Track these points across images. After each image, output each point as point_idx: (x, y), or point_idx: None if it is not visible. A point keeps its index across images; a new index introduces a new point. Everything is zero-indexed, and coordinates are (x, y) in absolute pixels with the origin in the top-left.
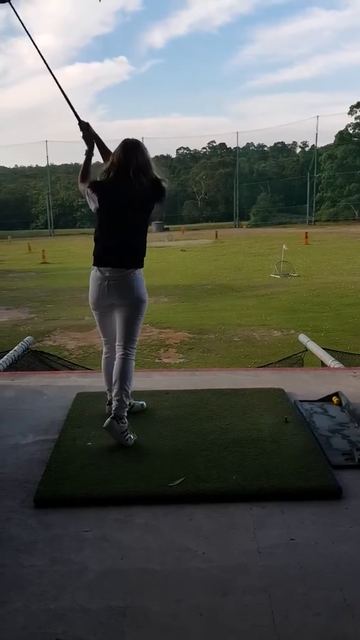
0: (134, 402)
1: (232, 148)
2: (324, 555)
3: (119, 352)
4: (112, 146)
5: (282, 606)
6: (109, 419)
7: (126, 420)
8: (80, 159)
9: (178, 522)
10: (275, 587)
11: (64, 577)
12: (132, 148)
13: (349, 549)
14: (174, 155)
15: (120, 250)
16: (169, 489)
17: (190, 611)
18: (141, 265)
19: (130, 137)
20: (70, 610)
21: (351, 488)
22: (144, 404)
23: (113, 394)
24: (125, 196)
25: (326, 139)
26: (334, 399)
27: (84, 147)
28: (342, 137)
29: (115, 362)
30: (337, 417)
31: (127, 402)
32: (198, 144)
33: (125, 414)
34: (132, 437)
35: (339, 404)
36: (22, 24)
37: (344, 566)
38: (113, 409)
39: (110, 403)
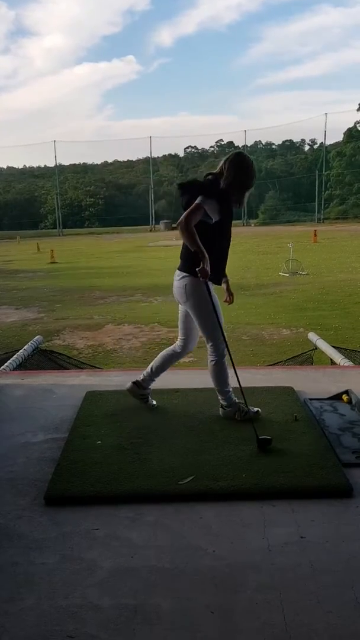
0: (246, 408)
1: (240, 146)
2: (335, 553)
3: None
4: (121, 145)
5: (293, 604)
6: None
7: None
8: (87, 159)
9: (188, 520)
10: (286, 585)
11: (75, 574)
12: (242, 169)
13: (359, 547)
14: (181, 154)
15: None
16: (179, 487)
17: (201, 609)
18: None
19: (138, 136)
20: (81, 607)
21: None
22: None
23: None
24: (231, 210)
25: (335, 137)
26: (344, 397)
27: (91, 147)
28: (351, 134)
29: None
30: (347, 415)
31: (227, 395)
32: (206, 143)
33: (226, 402)
34: (239, 413)
35: (349, 402)
36: None
37: (355, 564)
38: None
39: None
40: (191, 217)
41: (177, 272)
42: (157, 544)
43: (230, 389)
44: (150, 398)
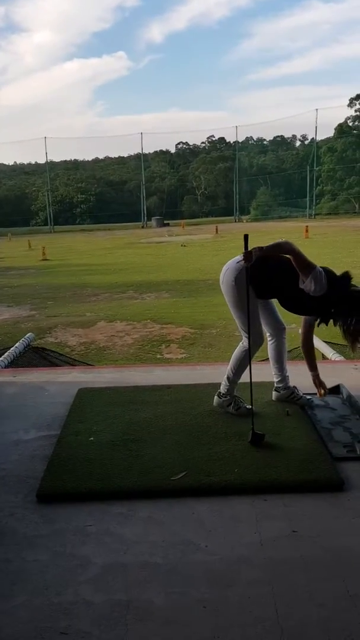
0: (301, 394)
1: (231, 142)
2: (327, 547)
3: None
4: (112, 141)
5: (285, 598)
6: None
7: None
8: (78, 155)
9: (181, 516)
10: (278, 579)
11: (67, 571)
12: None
13: (351, 540)
14: (173, 150)
15: None
16: (172, 483)
17: (193, 604)
18: None
19: (129, 132)
20: (73, 604)
21: (353, 480)
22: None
23: None
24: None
25: (326, 132)
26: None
27: (82, 143)
28: (342, 129)
29: None
30: (339, 410)
31: (229, 382)
32: (197, 139)
33: (226, 391)
34: (234, 406)
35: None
36: None
37: (347, 558)
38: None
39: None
40: (301, 254)
41: None
42: (150, 539)
43: (237, 381)
44: (296, 392)
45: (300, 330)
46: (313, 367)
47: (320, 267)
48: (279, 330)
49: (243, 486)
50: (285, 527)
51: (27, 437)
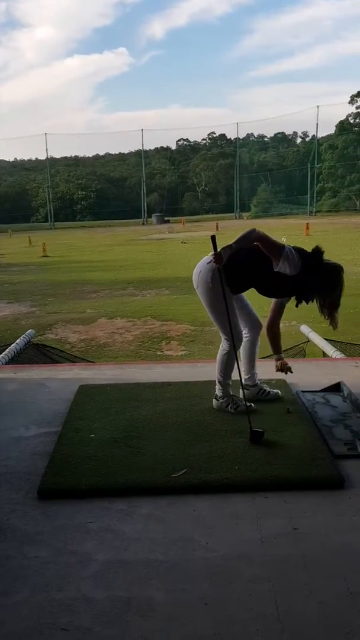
0: (269, 390)
1: (232, 139)
2: (327, 544)
3: None
4: (112, 138)
5: (285, 595)
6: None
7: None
8: (78, 152)
9: (181, 513)
10: (279, 576)
11: (68, 567)
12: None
13: (352, 538)
14: (173, 146)
15: None
16: (172, 480)
17: (194, 601)
18: None
19: (130, 129)
20: (74, 600)
21: (354, 477)
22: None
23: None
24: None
25: (327, 129)
26: None
27: (82, 139)
28: (343, 127)
29: None
30: (340, 407)
31: (222, 385)
32: (198, 136)
33: (222, 393)
34: (232, 405)
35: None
36: None
37: (347, 555)
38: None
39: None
40: (268, 238)
41: None
42: (151, 536)
43: (230, 383)
44: (264, 388)
45: (270, 311)
46: (278, 350)
47: (290, 246)
48: (254, 326)
49: (244, 483)
50: (286, 525)
51: (28, 433)
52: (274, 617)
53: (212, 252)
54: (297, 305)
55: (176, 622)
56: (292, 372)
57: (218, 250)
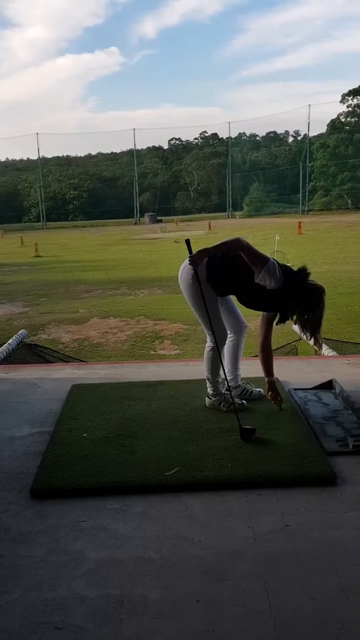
0: (252, 389)
1: (224, 138)
2: (319, 540)
3: None
4: (104, 137)
5: (278, 591)
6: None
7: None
8: (70, 151)
9: (174, 511)
10: (271, 572)
11: (61, 566)
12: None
13: (343, 534)
14: (165, 146)
15: None
16: (165, 479)
17: (187, 598)
18: None
19: (122, 128)
20: (67, 599)
21: (345, 474)
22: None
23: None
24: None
25: (318, 128)
26: None
27: (74, 139)
28: (334, 125)
29: None
30: (331, 405)
31: (212, 383)
32: (190, 135)
33: (213, 391)
34: (224, 404)
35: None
36: None
37: (339, 551)
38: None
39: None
40: (252, 249)
41: None
42: (144, 534)
43: (220, 380)
44: (246, 388)
45: (260, 333)
46: (270, 372)
47: (273, 259)
48: (239, 328)
49: (236, 481)
50: (278, 521)
51: (21, 433)
52: (267, 614)
53: (188, 255)
54: (277, 323)
55: (169, 619)
56: (281, 410)
57: (193, 253)
